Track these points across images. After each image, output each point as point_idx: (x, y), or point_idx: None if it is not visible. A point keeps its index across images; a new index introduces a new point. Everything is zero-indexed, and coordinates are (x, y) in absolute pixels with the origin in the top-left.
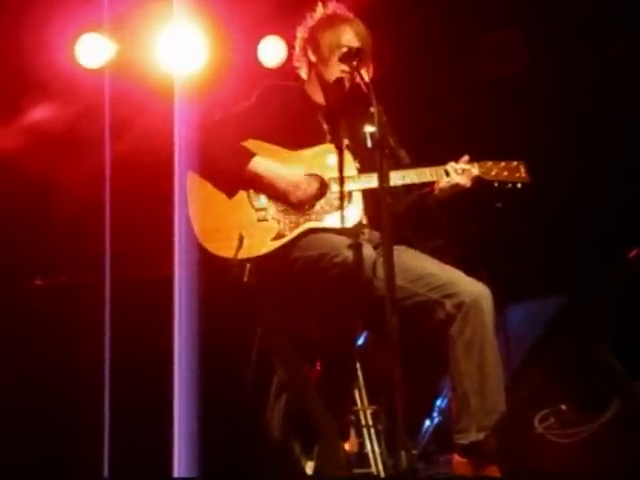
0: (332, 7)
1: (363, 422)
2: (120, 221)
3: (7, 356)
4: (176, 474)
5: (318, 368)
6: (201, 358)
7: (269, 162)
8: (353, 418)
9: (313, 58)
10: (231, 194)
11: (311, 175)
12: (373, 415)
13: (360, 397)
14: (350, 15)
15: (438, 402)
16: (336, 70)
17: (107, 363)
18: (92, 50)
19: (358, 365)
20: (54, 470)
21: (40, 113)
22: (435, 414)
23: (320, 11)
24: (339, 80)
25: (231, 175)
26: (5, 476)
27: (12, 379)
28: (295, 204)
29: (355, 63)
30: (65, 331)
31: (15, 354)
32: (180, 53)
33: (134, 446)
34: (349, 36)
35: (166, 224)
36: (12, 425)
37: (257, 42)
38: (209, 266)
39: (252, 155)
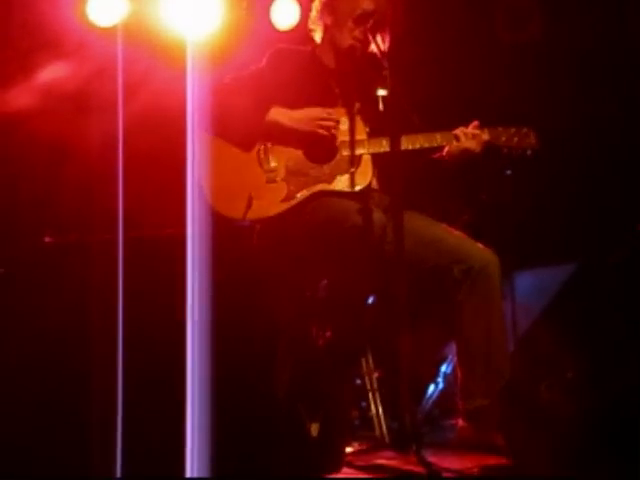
0: None
1: (368, 386)
2: (133, 181)
3: (15, 315)
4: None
5: (327, 333)
6: (213, 318)
7: (286, 110)
8: (359, 382)
9: (329, 21)
10: (247, 149)
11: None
12: (378, 380)
13: (366, 361)
14: None
15: (443, 368)
16: (351, 34)
17: (120, 323)
18: (104, 8)
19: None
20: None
21: (52, 72)
22: (440, 379)
23: None
24: (353, 44)
25: (249, 129)
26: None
27: (20, 339)
28: (324, 138)
29: (370, 27)
30: (76, 289)
31: (23, 313)
32: (193, 13)
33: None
34: (366, 1)
35: (179, 184)
36: (17, 392)
37: (270, 3)
38: (219, 226)
39: (269, 107)
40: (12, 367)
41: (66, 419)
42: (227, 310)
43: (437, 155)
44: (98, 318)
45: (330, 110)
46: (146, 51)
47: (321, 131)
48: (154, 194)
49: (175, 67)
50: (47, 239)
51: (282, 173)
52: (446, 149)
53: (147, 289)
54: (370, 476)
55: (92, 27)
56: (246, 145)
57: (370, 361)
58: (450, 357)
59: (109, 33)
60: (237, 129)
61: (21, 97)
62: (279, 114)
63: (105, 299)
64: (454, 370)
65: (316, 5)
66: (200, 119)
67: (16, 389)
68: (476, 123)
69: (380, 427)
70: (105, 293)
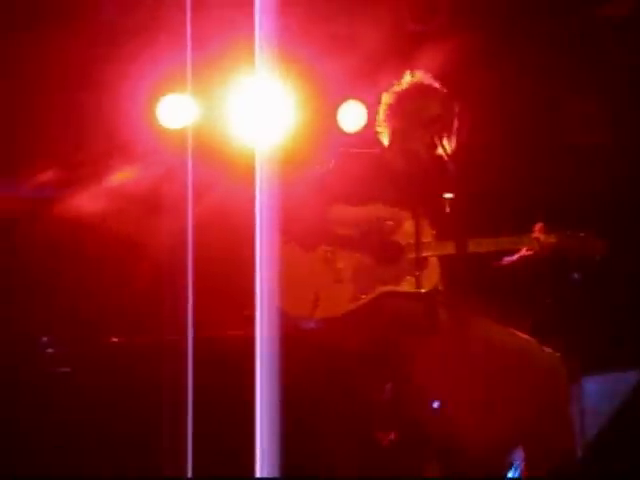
0: (420, 75)
1: None
2: (201, 282)
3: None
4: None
5: (392, 437)
6: (281, 420)
7: (349, 219)
8: None
9: (396, 124)
10: (313, 249)
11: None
12: None
13: (432, 468)
14: (435, 84)
15: (510, 474)
16: (418, 137)
17: (189, 424)
18: (174, 111)
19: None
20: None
21: (124, 175)
22: None
23: (407, 78)
24: (421, 147)
25: (316, 229)
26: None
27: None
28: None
29: (437, 130)
30: (145, 390)
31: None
32: (261, 116)
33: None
34: (434, 105)
35: (247, 285)
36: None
37: (337, 106)
38: (286, 326)
39: (332, 217)
40: None
41: None
42: (295, 410)
43: (504, 259)
44: (167, 418)
45: (394, 210)
46: (215, 154)
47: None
48: (222, 295)
49: (244, 169)
50: (114, 339)
51: (348, 273)
52: (513, 253)
53: (216, 390)
54: None
55: (162, 130)
56: (312, 245)
57: (437, 465)
58: (518, 460)
59: (179, 135)
60: (304, 230)
61: (95, 200)
62: (345, 215)
63: (174, 399)
64: (521, 474)
65: (383, 108)
66: (269, 222)
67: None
68: (541, 226)
69: None
70: (174, 394)
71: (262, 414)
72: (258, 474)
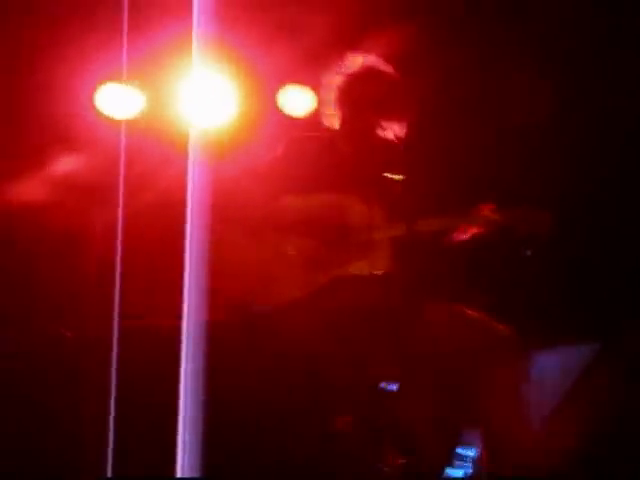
0: (370, 59)
1: (392, 473)
2: (131, 272)
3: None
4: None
5: (348, 420)
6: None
7: (298, 204)
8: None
9: (344, 108)
10: (262, 237)
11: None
12: (402, 466)
13: (390, 448)
14: (385, 68)
15: (469, 452)
16: (366, 120)
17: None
18: (112, 100)
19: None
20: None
21: (59, 166)
22: (465, 463)
23: (358, 61)
24: (368, 129)
25: (265, 216)
26: None
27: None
28: (339, 223)
29: (385, 113)
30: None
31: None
32: (200, 105)
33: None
34: (384, 88)
35: (177, 276)
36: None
37: (282, 91)
38: (233, 314)
39: (284, 194)
40: None
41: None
42: (245, 397)
43: (454, 238)
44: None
45: (344, 193)
46: (151, 142)
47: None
48: (153, 284)
49: (179, 160)
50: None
51: (300, 259)
52: (462, 232)
53: (142, 377)
54: None
55: (102, 120)
56: (262, 231)
57: (393, 448)
58: (476, 441)
59: (116, 124)
60: (253, 216)
61: (29, 189)
62: (293, 201)
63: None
64: (480, 454)
65: (332, 91)
66: (200, 214)
67: None
68: (490, 205)
69: None
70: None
71: (185, 408)
72: (179, 472)
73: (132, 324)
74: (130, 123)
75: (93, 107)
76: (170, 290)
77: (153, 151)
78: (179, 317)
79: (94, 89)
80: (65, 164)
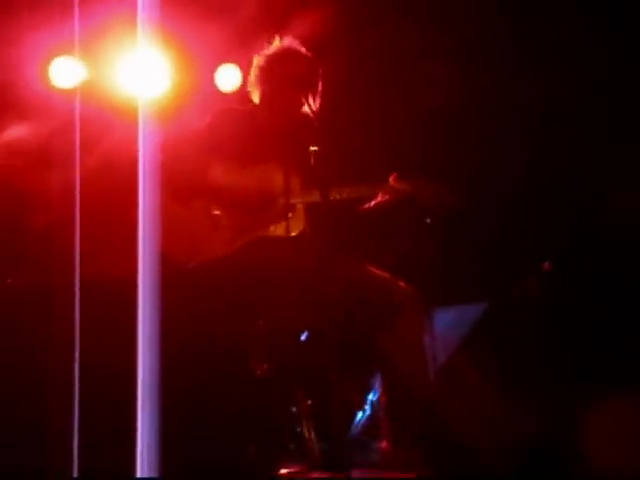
0: (287, 41)
1: (302, 414)
2: (88, 229)
3: None
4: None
5: (264, 367)
6: (161, 350)
7: (224, 175)
8: (294, 409)
9: (265, 84)
10: (193, 200)
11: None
12: (311, 407)
13: (300, 391)
14: (301, 49)
15: (370, 396)
16: (285, 96)
17: (77, 355)
18: (64, 72)
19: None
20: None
21: (15, 130)
22: (367, 406)
23: (276, 43)
24: (287, 105)
25: (195, 181)
26: None
27: None
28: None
29: (302, 89)
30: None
31: None
32: (144, 77)
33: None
34: (300, 67)
35: (131, 232)
36: None
37: (215, 68)
38: (168, 269)
39: (212, 162)
40: None
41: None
42: (177, 341)
43: (363, 205)
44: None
45: (265, 162)
46: (102, 111)
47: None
48: (109, 241)
49: (128, 125)
50: (9, 281)
51: (225, 222)
52: (370, 198)
53: (102, 327)
54: None
55: (54, 89)
56: (192, 196)
57: (303, 391)
58: (376, 385)
59: (69, 95)
60: (184, 181)
61: None
62: (219, 168)
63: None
64: (379, 398)
65: (254, 70)
66: (150, 172)
67: None
68: (395, 176)
69: (313, 450)
70: (63, 329)
71: (144, 348)
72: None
73: (91, 276)
74: (82, 92)
75: (49, 78)
76: (125, 243)
77: (103, 117)
78: (135, 270)
79: (49, 62)
80: (22, 130)
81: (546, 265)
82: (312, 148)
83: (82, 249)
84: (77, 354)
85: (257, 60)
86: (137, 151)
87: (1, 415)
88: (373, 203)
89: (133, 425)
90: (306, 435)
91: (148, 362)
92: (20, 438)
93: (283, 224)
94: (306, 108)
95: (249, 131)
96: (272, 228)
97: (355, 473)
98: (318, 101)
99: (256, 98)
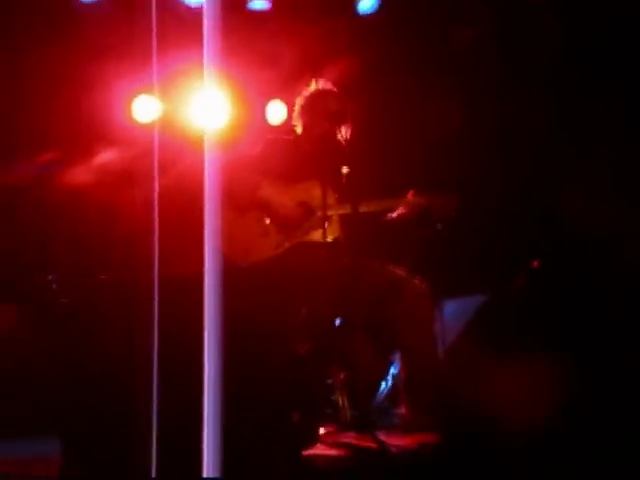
0: (322, 82)
1: (336, 384)
2: (165, 235)
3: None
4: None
5: (306, 347)
6: (224, 333)
7: (273, 192)
8: (330, 381)
9: (306, 117)
10: (247, 211)
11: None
12: (344, 379)
13: (335, 366)
14: (334, 89)
15: (392, 369)
16: (322, 127)
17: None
18: (145, 108)
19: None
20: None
21: (106, 156)
22: (389, 378)
23: (314, 84)
24: (324, 134)
25: (250, 196)
26: None
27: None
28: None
29: (336, 121)
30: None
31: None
32: (209, 112)
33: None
34: (332, 104)
35: (198, 238)
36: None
37: (265, 105)
38: (227, 268)
39: (260, 187)
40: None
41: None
42: (237, 328)
43: (387, 216)
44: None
45: (306, 181)
46: (176, 140)
47: (287, 217)
48: (181, 245)
49: (197, 152)
50: (103, 277)
51: (273, 229)
52: (393, 210)
53: (176, 315)
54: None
55: (136, 122)
56: (247, 208)
57: (337, 366)
58: (397, 361)
59: (148, 127)
60: (241, 197)
61: (82, 175)
62: (269, 185)
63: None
64: (399, 371)
65: (297, 107)
66: (214, 189)
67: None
68: (413, 191)
69: (345, 415)
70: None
71: (210, 330)
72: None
73: (167, 272)
74: (159, 125)
75: (132, 114)
76: (195, 247)
77: (176, 145)
78: (202, 268)
79: (132, 100)
80: (111, 156)
81: (535, 263)
82: (344, 170)
83: (160, 252)
84: (156, 337)
85: (299, 98)
86: (203, 173)
87: (91, 410)
88: (395, 214)
89: (199, 422)
90: (340, 403)
91: (213, 346)
92: (105, 433)
93: (321, 232)
94: (339, 137)
95: (293, 156)
96: (312, 235)
97: (379, 434)
98: (349, 131)
99: (299, 129)
